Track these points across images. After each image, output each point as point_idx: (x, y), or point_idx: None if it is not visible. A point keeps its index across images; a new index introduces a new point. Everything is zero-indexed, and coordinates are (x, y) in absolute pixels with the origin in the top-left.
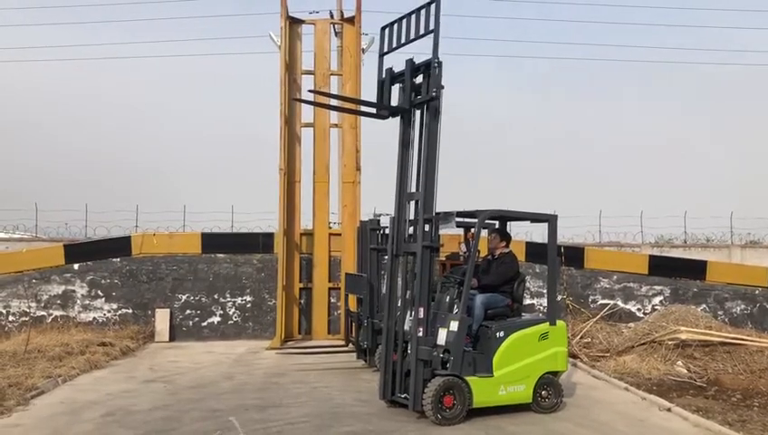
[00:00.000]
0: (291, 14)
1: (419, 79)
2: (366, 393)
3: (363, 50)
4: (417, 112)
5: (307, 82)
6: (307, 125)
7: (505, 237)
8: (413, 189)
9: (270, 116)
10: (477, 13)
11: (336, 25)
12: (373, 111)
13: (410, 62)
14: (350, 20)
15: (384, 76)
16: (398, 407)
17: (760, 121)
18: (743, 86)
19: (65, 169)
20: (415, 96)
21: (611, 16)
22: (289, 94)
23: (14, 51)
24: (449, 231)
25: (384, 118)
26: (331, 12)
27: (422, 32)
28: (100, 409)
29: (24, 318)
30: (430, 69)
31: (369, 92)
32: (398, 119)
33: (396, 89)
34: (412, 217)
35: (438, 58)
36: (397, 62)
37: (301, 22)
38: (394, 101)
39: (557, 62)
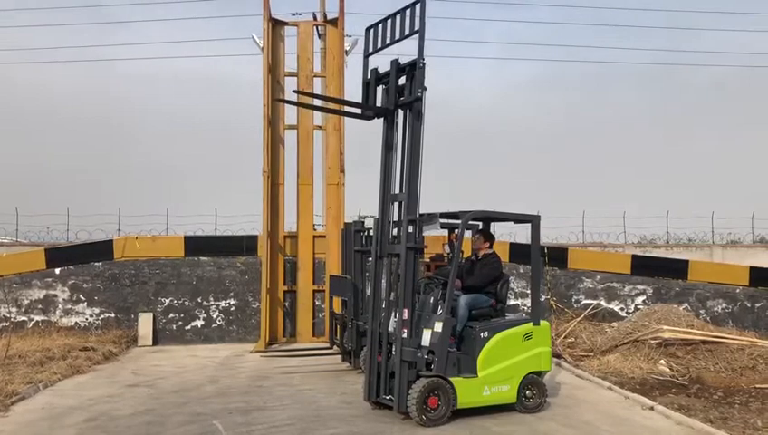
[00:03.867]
0: (273, 16)
1: (402, 80)
2: (351, 395)
3: (346, 52)
4: (401, 114)
5: (290, 84)
6: (290, 127)
7: (489, 238)
8: (397, 191)
9: (253, 118)
10: (467, 15)
11: (319, 27)
12: (358, 111)
13: (396, 62)
14: (333, 22)
15: (369, 77)
16: (382, 408)
17: (742, 121)
18: (725, 86)
19: (46, 172)
20: (398, 97)
21: (599, 18)
22: (272, 96)
23: None
24: (434, 232)
25: (369, 118)
26: (314, 14)
27: (407, 32)
28: (81, 414)
29: (4, 323)
30: (415, 69)
31: (353, 94)
32: (381, 120)
33: (379, 90)
34: (396, 218)
35: (424, 58)
36: (380, 63)
37: (284, 24)
38: (378, 102)
39: (545, 63)
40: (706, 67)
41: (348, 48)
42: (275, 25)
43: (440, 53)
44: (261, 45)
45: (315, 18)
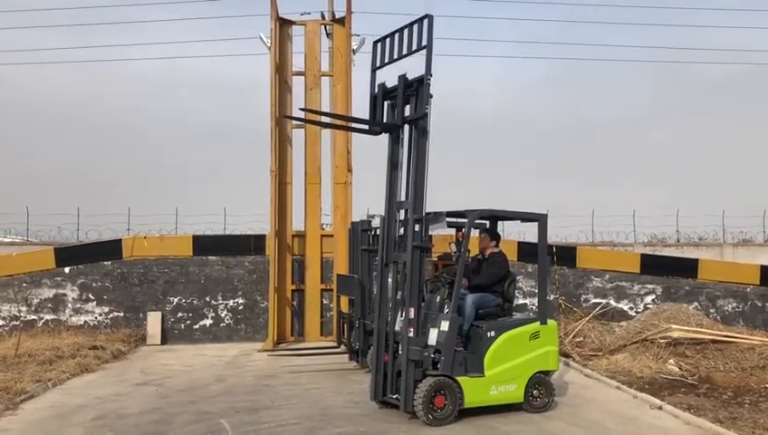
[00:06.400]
0: (281, 16)
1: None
2: (357, 395)
3: (354, 50)
4: (407, 129)
5: (298, 83)
6: (298, 127)
7: (495, 237)
8: (402, 198)
9: (261, 117)
10: (474, 14)
11: (327, 26)
12: (365, 127)
13: (403, 77)
14: (341, 21)
15: (377, 91)
16: (389, 408)
17: (753, 119)
18: (735, 85)
19: (57, 172)
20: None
21: (605, 16)
22: (279, 95)
23: (4, 54)
24: (441, 231)
25: (376, 134)
26: (322, 13)
27: (415, 47)
28: (89, 412)
29: (14, 322)
30: (423, 84)
31: (360, 93)
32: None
33: (385, 105)
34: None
35: (431, 74)
36: (387, 76)
37: (291, 23)
38: (384, 117)
39: (554, 62)
40: (718, 65)
41: (355, 47)
42: (283, 25)
43: (449, 52)
44: (268, 45)
45: (323, 17)
